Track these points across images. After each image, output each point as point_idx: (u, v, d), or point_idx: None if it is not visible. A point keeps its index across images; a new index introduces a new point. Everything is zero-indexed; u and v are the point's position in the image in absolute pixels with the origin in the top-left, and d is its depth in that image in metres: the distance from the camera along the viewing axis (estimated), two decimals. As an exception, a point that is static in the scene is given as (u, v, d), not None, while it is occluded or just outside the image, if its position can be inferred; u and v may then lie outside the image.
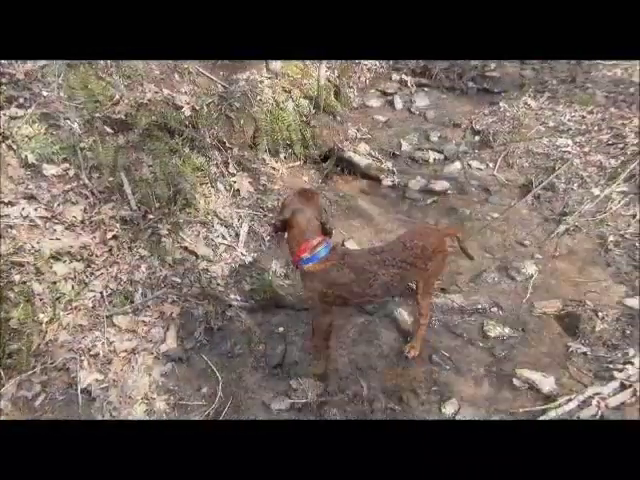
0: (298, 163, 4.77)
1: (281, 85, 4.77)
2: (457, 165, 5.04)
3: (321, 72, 4.72)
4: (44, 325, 2.87)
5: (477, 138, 5.41)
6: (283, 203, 2.75)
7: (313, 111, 4.83)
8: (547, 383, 2.90)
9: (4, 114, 3.33)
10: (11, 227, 3.03)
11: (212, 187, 3.99)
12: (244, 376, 3.07)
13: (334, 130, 5.02)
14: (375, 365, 3.12)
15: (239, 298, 3.44)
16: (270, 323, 3.38)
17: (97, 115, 3.59)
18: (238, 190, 4.11)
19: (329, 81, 5.38)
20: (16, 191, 3.16)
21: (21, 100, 3.43)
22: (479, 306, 3.45)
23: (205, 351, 3.14)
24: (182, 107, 3.99)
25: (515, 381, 2.95)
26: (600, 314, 3.25)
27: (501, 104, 5.73)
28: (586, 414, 2.68)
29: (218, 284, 3.47)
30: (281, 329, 3.35)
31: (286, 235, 2.80)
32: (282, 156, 4.69)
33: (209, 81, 4.45)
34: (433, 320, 3.36)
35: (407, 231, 3.07)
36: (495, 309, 3.45)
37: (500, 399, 2.89)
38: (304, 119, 4.77)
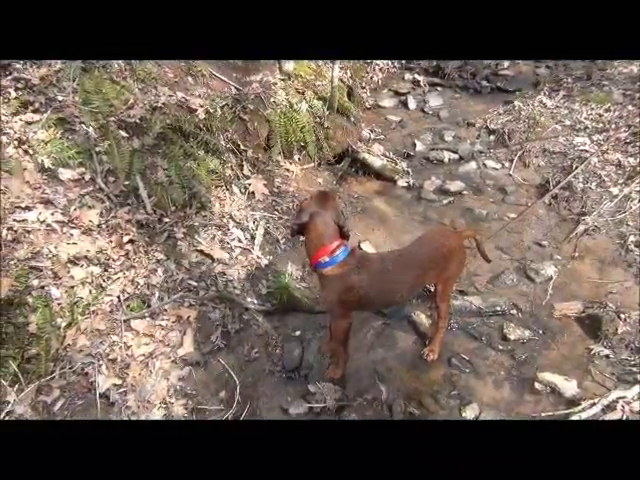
0: (312, 165, 4.75)
1: (294, 87, 4.76)
2: (472, 165, 5.00)
3: (334, 73, 4.69)
4: (62, 330, 2.87)
5: (492, 137, 5.37)
6: (301, 206, 2.73)
7: (327, 112, 4.81)
8: (569, 387, 2.86)
9: (20, 119, 3.34)
10: (28, 232, 3.03)
11: (227, 190, 3.98)
12: (261, 380, 3.06)
13: (348, 131, 4.99)
14: (394, 369, 3.09)
15: (255, 301, 3.43)
16: (287, 326, 3.37)
17: (112, 119, 3.59)
18: (253, 193, 4.10)
19: (342, 82, 5.35)
20: (33, 196, 3.16)
21: (37, 105, 3.43)
22: (498, 308, 3.41)
23: (222, 355, 3.12)
24: (196, 110, 3.97)
25: (537, 385, 2.92)
26: (622, 316, 3.20)
27: (516, 103, 5.69)
28: (610, 418, 2.63)
29: (234, 287, 3.45)
30: (298, 332, 3.33)
31: (303, 238, 2.78)
32: (296, 158, 4.67)
33: (222, 84, 4.44)
34: (452, 322, 3.33)
35: (426, 233, 3.03)
36: (514, 311, 3.41)
37: (521, 403, 2.85)
38: (318, 120, 4.75)
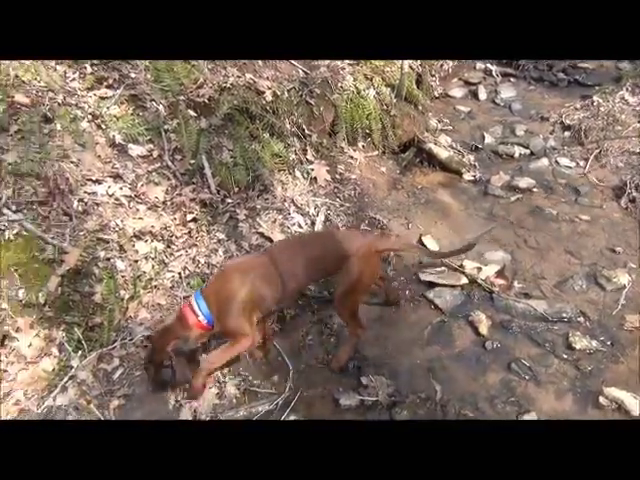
0: (376, 153, 4.66)
1: (363, 72, 4.66)
2: (544, 162, 4.78)
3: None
4: (125, 302, 2.95)
5: (567, 134, 5.10)
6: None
7: (394, 100, 4.70)
8: (637, 405, 2.70)
9: (94, 94, 3.43)
10: (97, 204, 3.12)
11: (290, 174, 3.96)
12: (314, 368, 3.03)
13: (415, 120, 4.86)
14: (449, 368, 3.01)
15: (313, 288, 3.39)
16: (343, 316, 3.33)
17: (181, 98, 3.63)
18: (315, 178, 4.06)
19: (412, 69, 5.21)
20: (103, 170, 3.24)
21: (110, 81, 3.51)
22: (564, 315, 3.24)
23: (277, 339, 3.12)
24: (264, 92, 3.96)
25: (601, 399, 2.76)
26: (702, 333, 2.98)
27: (595, 98, 5.37)
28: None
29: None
30: (353, 323, 3.28)
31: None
32: (360, 145, 4.59)
33: (291, 66, 4.40)
34: (513, 326, 3.20)
35: (328, 231, 3.14)
36: (582, 319, 3.23)
37: (584, 417, 2.71)
38: (385, 108, 4.65)
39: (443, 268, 3.60)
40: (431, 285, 3.50)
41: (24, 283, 2.78)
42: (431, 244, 3.84)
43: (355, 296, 2.86)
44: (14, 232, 2.80)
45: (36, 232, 2.85)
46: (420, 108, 5.01)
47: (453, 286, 3.47)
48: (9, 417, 2.55)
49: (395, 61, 4.86)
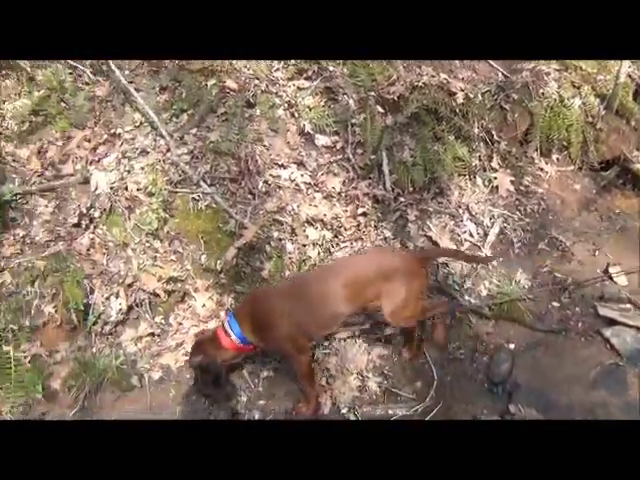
0: (571, 168, 4.24)
1: (570, 79, 4.26)
2: None
3: (623, 68, 4.07)
4: (287, 282, 3.13)
5: None
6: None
7: (603, 112, 4.22)
8: None
9: (293, 84, 3.67)
10: (279, 187, 3.35)
11: (470, 180, 3.81)
12: (460, 383, 2.93)
13: (624, 136, 4.30)
14: (616, 417, 2.66)
15: (473, 301, 3.25)
16: (500, 336, 3.14)
17: (372, 94, 3.70)
18: (497, 187, 3.84)
19: (630, 78, 4.62)
20: (290, 156, 3.47)
21: (310, 72, 3.72)
22: None
23: (425, 345, 3.05)
24: (455, 94, 3.84)
25: None
26: None
27: None
28: None
29: (454, 281, 3.32)
30: (512, 345, 3.08)
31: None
32: (554, 157, 4.21)
33: (490, 68, 4.21)
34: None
35: (364, 253, 3.18)
36: None
37: None
38: (590, 120, 4.20)
39: (629, 306, 3.19)
40: (611, 322, 3.13)
41: (207, 250, 3.14)
42: (620, 278, 3.41)
43: (414, 306, 2.73)
44: (205, 203, 3.17)
45: (224, 206, 3.17)
46: (633, 123, 4.43)
47: (638, 328, 3.05)
48: (177, 365, 2.90)
49: (611, 70, 4.37)
